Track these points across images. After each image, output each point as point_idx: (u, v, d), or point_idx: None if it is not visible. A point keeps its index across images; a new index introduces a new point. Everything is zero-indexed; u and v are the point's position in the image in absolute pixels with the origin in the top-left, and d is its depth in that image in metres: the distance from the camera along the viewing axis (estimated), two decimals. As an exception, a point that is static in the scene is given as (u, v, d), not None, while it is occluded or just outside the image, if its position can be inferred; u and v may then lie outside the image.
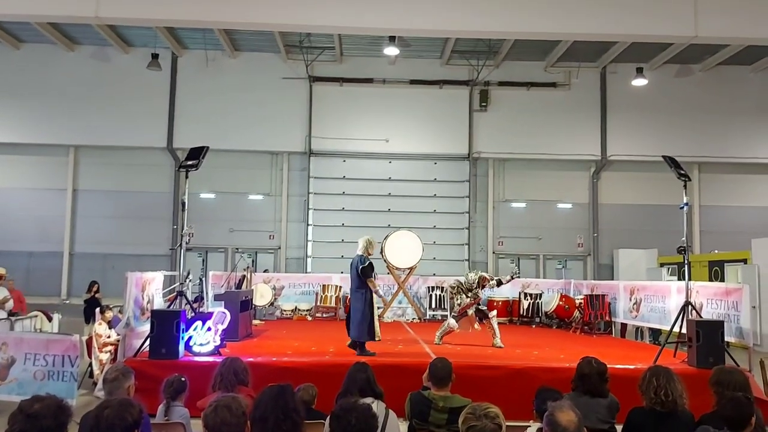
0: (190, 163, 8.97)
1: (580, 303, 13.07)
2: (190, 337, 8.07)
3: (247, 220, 19.56)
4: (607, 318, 12.70)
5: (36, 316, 11.02)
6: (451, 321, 10.12)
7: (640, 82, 19.04)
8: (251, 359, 7.24)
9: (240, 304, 10.22)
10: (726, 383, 4.47)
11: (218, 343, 8.31)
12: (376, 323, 8.92)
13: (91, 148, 19.32)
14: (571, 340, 11.58)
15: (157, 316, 8.00)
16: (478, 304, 10.21)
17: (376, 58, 19.27)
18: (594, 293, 13.03)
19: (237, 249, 19.05)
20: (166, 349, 7.77)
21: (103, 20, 12.99)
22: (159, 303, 9.63)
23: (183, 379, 5.06)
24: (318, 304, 14.84)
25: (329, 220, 19.24)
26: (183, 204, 9.06)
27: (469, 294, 10.03)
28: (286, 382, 3.59)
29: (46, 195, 19.26)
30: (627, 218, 19.69)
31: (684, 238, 8.98)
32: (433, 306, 14.75)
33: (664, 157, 9.34)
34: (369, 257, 9.03)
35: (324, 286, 15.00)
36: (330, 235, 19.08)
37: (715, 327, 8.13)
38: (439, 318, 13.94)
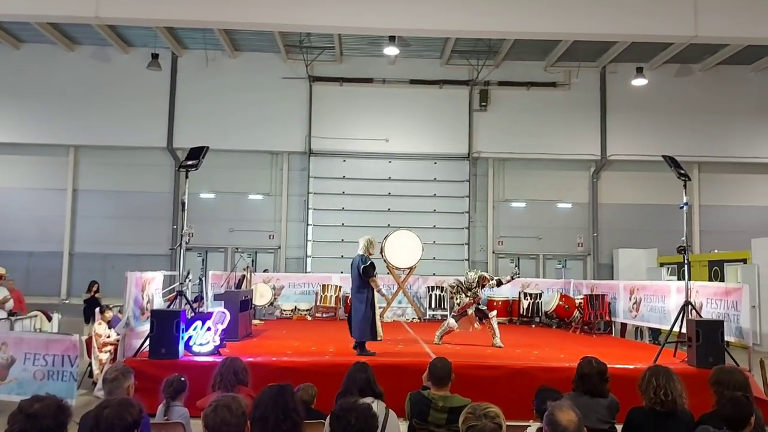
0: (190, 163, 8.97)
1: (580, 303, 13.07)
2: (189, 337, 8.07)
3: (247, 220, 19.56)
4: (607, 318, 12.70)
5: (36, 316, 11.02)
6: (451, 321, 10.13)
7: (640, 81, 19.04)
8: (251, 359, 7.24)
9: (240, 303, 10.22)
10: (726, 383, 4.47)
11: (218, 343, 8.31)
12: (378, 323, 8.92)
13: (91, 148, 19.32)
14: (570, 340, 11.58)
15: (156, 316, 8.00)
16: (478, 304, 10.21)
17: (375, 57, 19.27)
18: (594, 293, 13.03)
19: (237, 249, 19.06)
20: (165, 348, 7.77)
21: (103, 20, 13.00)
22: (159, 303, 9.63)
23: (183, 378, 5.06)
24: (318, 303, 14.84)
25: (329, 220, 19.24)
26: (183, 204, 9.06)
27: (469, 293, 10.03)
28: (286, 381, 3.59)
29: (46, 195, 19.26)
30: (627, 218, 19.69)
31: (684, 238, 8.98)
32: (433, 306, 14.75)
33: (664, 156, 9.34)
34: (370, 257, 9.03)
35: (324, 286, 15.00)
36: (330, 234, 19.09)
37: (715, 327, 8.13)
38: (439, 318, 13.94)
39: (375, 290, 8.99)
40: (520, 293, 14.48)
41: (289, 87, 19.48)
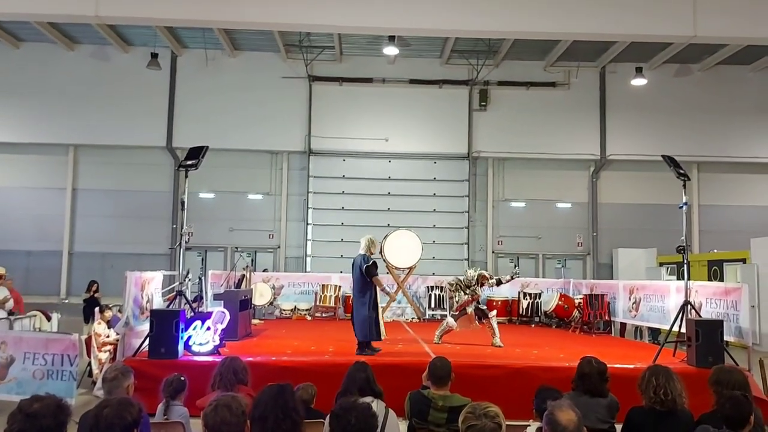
0: (189, 162, 8.96)
1: (580, 302, 13.08)
2: (189, 337, 8.07)
3: (247, 220, 19.56)
4: (607, 317, 12.70)
5: (35, 315, 11.01)
6: (450, 320, 10.12)
7: (639, 81, 19.05)
8: (250, 359, 7.24)
9: (239, 303, 10.22)
10: (725, 382, 4.47)
11: (217, 342, 8.31)
12: (381, 322, 8.93)
13: (91, 147, 19.31)
14: (570, 340, 11.58)
15: (156, 316, 8.00)
16: (478, 303, 10.20)
17: (375, 57, 19.27)
18: (593, 293, 13.03)
19: (236, 248, 19.07)
20: (165, 348, 7.77)
21: (103, 19, 13.00)
22: (158, 302, 9.63)
23: (182, 378, 5.06)
24: (317, 303, 14.84)
25: (329, 220, 19.24)
26: (182, 203, 9.07)
27: (468, 291, 10.00)
28: (286, 381, 3.59)
29: (45, 194, 19.25)
30: (626, 218, 19.70)
31: (683, 238, 8.98)
32: (433, 305, 14.76)
33: (663, 156, 9.34)
34: (372, 256, 9.03)
35: (323, 285, 15.00)
36: (329, 234, 19.09)
37: (715, 326, 8.13)
38: (439, 318, 13.94)
39: (378, 289, 8.99)
40: (519, 293, 14.48)
41: (289, 86, 19.47)
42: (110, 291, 13.37)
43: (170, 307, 9.04)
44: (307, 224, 19.46)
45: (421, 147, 19.61)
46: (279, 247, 19.58)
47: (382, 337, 8.90)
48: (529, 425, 4.23)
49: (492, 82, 19.77)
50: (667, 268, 17.53)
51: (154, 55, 18.37)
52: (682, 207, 9.18)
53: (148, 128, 19.08)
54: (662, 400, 4.21)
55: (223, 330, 8.53)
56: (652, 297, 11.33)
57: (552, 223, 19.87)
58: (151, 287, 9.39)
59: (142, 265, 14.55)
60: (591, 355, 4.94)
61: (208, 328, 8.21)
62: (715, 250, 17.57)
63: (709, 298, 9.40)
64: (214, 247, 19.45)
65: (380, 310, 9.05)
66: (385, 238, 14.43)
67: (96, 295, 13.30)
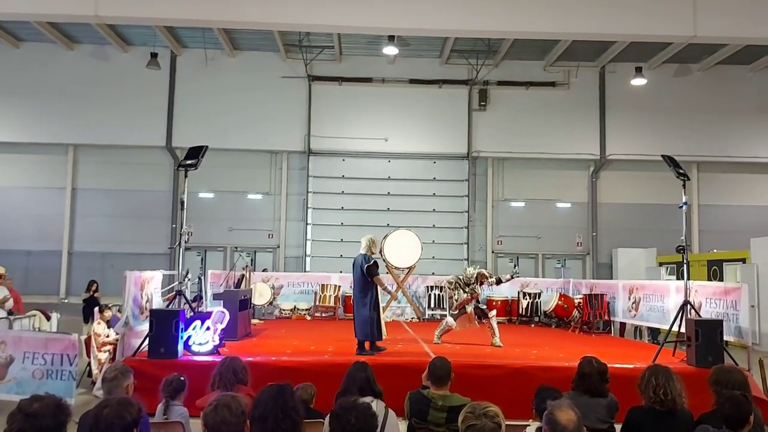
0: (189, 162, 8.96)
1: (579, 302, 13.08)
2: (189, 337, 8.06)
3: (246, 219, 19.55)
4: (606, 317, 12.70)
5: (35, 315, 11.00)
6: (449, 319, 10.11)
7: (639, 81, 19.05)
8: (250, 358, 7.23)
9: (239, 303, 10.21)
10: (725, 382, 4.47)
11: (217, 342, 8.31)
12: (383, 322, 8.92)
13: (90, 146, 19.31)
14: (570, 340, 11.59)
15: (156, 316, 7.99)
16: (478, 302, 10.19)
17: (375, 57, 19.27)
18: (593, 292, 13.04)
19: (236, 248, 19.07)
20: (165, 348, 7.77)
21: (103, 19, 12.99)
22: (158, 302, 9.63)
23: (182, 378, 5.06)
24: (317, 303, 14.83)
25: (328, 219, 19.24)
26: (182, 203, 9.07)
27: (467, 289, 9.98)
28: (285, 381, 3.59)
29: (45, 194, 19.25)
30: (626, 217, 19.70)
31: (683, 238, 8.98)
32: (432, 305, 14.75)
33: (663, 156, 9.34)
34: (372, 256, 9.03)
35: (323, 285, 15.00)
36: (329, 234, 19.09)
37: (714, 326, 8.13)
38: (438, 317, 13.93)
39: (380, 288, 8.99)
40: (519, 293, 14.48)
41: (289, 86, 19.47)
42: (110, 291, 13.37)
43: (170, 306, 9.05)
44: (307, 224, 19.46)
45: (421, 147, 19.61)
46: (278, 246, 19.58)
47: (383, 337, 8.89)
48: (529, 425, 4.23)
49: (491, 81, 19.77)
50: (667, 268, 17.53)
51: (154, 55, 18.37)
52: (681, 207, 9.18)
53: (148, 128, 19.07)
54: (662, 400, 4.21)
55: (222, 330, 8.52)
56: (652, 297, 11.33)
57: (552, 222, 19.88)
58: (150, 287, 9.38)
59: (142, 264, 14.54)
60: (591, 355, 4.94)
61: (208, 328, 8.21)
62: (715, 250, 17.57)
63: (709, 298, 9.40)
64: (214, 247, 19.45)
65: (381, 309, 9.03)
66: (385, 237, 14.42)
67: (95, 294, 13.30)
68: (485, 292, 13.66)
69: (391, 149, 19.56)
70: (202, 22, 13.58)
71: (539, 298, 14.32)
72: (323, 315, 14.77)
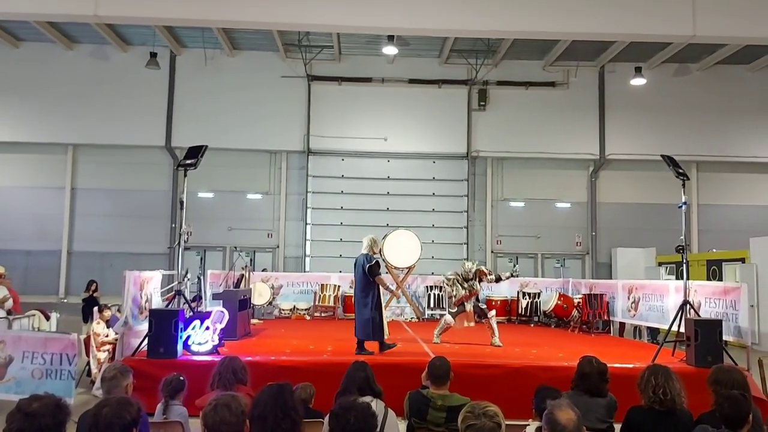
0: (188, 162, 8.96)
1: (579, 302, 13.09)
2: (188, 336, 8.06)
3: (246, 219, 19.55)
4: (606, 317, 12.70)
5: (34, 314, 10.99)
6: (448, 317, 10.09)
7: (638, 81, 19.05)
8: (250, 358, 7.24)
9: (238, 303, 10.21)
10: (724, 382, 4.47)
11: (216, 342, 8.30)
12: (385, 321, 8.92)
13: (90, 146, 19.30)
14: (569, 339, 11.59)
15: (155, 315, 7.99)
16: (477, 300, 10.17)
17: (374, 57, 19.26)
18: (592, 292, 13.04)
19: (235, 248, 19.04)
20: (164, 348, 7.76)
21: (102, 19, 12.98)
22: (157, 302, 9.63)
23: (181, 378, 5.06)
24: (316, 303, 14.84)
25: (328, 219, 19.23)
26: (181, 203, 9.07)
27: (465, 285, 9.94)
28: (285, 380, 3.59)
29: (44, 193, 19.24)
30: (625, 217, 19.71)
31: (682, 237, 8.99)
32: (432, 305, 14.75)
33: (662, 156, 9.35)
34: (374, 256, 9.03)
35: (322, 285, 15.00)
36: (328, 234, 19.09)
37: (714, 326, 8.13)
38: (438, 317, 13.90)
39: (382, 288, 8.99)
40: (518, 292, 14.49)
41: (288, 86, 19.47)
42: (109, 290, 13.35)
43: (169, 306, 9.04)
44: (306, 224, 19.46)
45: (420, 147, 19.61)
46: (278, 246, 19.57)
47: (385, 337, 8.89)
48: (529, 425, 4.23)
49: (491, 81, 19.77)
50: (666, 268, 17.54)
51: (153, 55, 18.36)
52: (681, 206, 9.18)
53: (147, 128, 19.06)
54: (661, 400, 4.21)
55: (222, 329, 8.52)
56: (651, 296, 11.33)
57: (551, 222, 19.88)
58: (150, 287, 9.39)
59: (141, 264, 14.53)
60: (591, 355, 4.94)
61: (207, 328, 8.21)
62: (714, 250, 17.57)
63: (708, 298, 9.41)
64: (213, 247, 19.44)
65: (384, 309, 9.03)
66: (385, 237, 14.44)
67: (95, 294, 13.29)
68: (485, 292, 13.68)
69: (390, 149, 19.56)
70: (202, 22, 13.57)
71: (539, 298, 14.33)
72: (323, 315, 14.77)
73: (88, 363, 9.36)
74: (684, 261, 8.98)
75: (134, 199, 19.16)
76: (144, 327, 8.32)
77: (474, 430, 2.99)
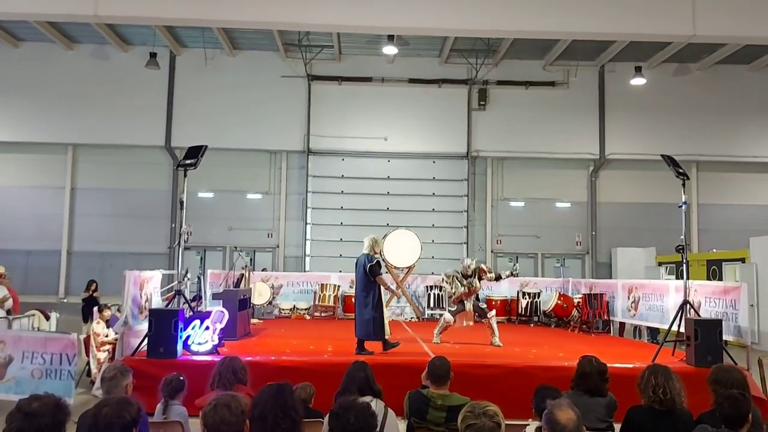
0: (188, 161, 8.95)
1: (579, 302, 13.09)
2: (188, 336, 8.06)
3: (246, 219, 19.55)
4: (605, 317, 12.70)
5: (34, 314, 10.99)
6: (447, 316, 10.08)
7: (638, 81, 19.04)
8: (249, 358, 7.24)
9: (238, 302, 10.21)
10: (724, 382, 4.47)
11: (216, 342, 8.30)
12: (386, 321, 8.91)
13: (90, 146, 19.30)
14: (569, 339, 11.59)
15: (155, 315, 7.99)
16: (477, 299, 10.15)
17: (374, 56, 19.26)
18: (592, 292, 13.04)
19: (235, 247, 19.03)
20: (164, 348, 7.76)
21: (102, 19, 12.98)
22: (157, 302, 9.62)
23: (181, 377, 5.06)
24: (316, 303, 14.83)
25: (328, 219, 19.23)
26: (181, 202, 9.07)
27: (464, 282, 9.91)
28: (285, 380, 3.59)
29: (44, 193, 19.24)
30: (625, 217, 19.70)
31: (682, 237, 8.99)
32: (432, 305, 14.74)
33: (662, 155, 9.34)
34: (375, 256, 9.03)
35: (322, 285, 15.00)
36: (328, 233, 19.09)
37: (714, 325, 8.13)
38: (438, 317, 13.91)
39: (383, 288, 8.99)
40: (518, 292, 14.49)
41: (288, 85, 19.47)
42: (109, 290, 13.35)
43: (169, 306, 9.04)
44: (306, 224, 19.46)
45: (421, 146, 19.61)
46: (278, 246, 19.57)
47: (386, 337, 8.88)
48: (528, 424, 4.23)
49: (491, 81, 19.77)
50: (666, 268, 17.54)
51: (153, 55, 18.36)
52: (681, 206, 9.18)
53: (147, 127, 19.06)
54: (661, 400, 4.21)
55: (221, 329, 8.51)
56: (651, 296, 11.33)
57: (551, 222, 19.88)
58: (149, 286, 9.38)
59: (141, 264, 14.52)
60: (591, 355, 4.94)
61: (207, 328, 8.21)
62: (714, 250, 17.58)
63: (708, 298, 9.41)
64: (213, 247, 19.44)
65: (385, 309, 9.02)
66: (384, 237, 14.45)
67: (95, 294, 13.29)
68: (484, 291, 13.68)
69: (390, 149, 19.56)
70: (202, 22, 13.56)
71: (538, 298, 14.32)
72: (322, 315, 14.76)
73: (88, 363, 9.35)
74: (684, 261, 8.98)
75: (134, 199, 19.16)
76: (144, 327, 8.31)
77: (474, 430, 2.99)
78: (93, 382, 8.82)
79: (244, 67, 19.44)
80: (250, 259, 18.68)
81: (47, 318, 11.13)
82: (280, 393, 3.39)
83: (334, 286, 14.94)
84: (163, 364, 7.34)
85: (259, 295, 13.98)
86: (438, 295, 14.71)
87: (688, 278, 9.09)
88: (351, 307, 13.83)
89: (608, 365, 4.89)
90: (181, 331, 7.90)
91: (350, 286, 14.78)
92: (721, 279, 15.26)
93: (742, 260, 15.52)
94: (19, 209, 18.97)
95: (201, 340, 8.13)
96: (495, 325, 9.90)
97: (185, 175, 9.14)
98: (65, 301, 17.91)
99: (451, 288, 10.03)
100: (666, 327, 9.76)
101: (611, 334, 12.91)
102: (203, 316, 8.39)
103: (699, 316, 8.88)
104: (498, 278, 10.42)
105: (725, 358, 7.92)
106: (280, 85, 19.41)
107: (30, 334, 8.00)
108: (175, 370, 5.74)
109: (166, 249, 18.67)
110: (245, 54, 19.55)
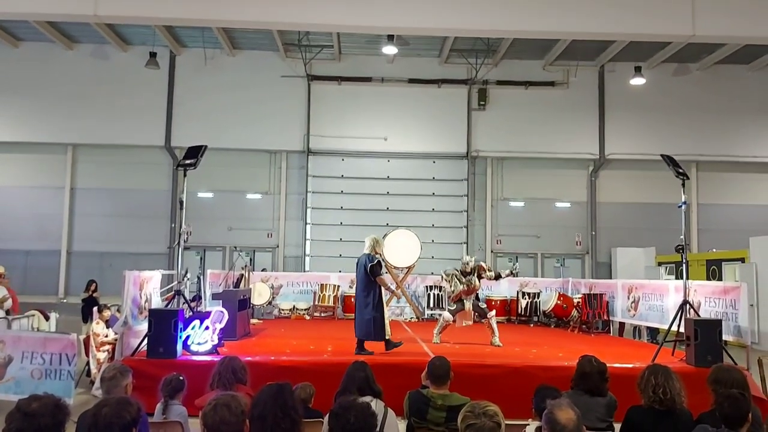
0: (188, 161, 8.95)
1: (578, 302, 13.08)
2: (187, 336, 8.05)
3: (246, 219, 19.55)
4: (605, 317, 12.70)
5: (33, 315, 10.98)
6: (446, 314, 10.07)
7: (638, 80, 19.04)
8: (249, 358, 7.24)
9: (238, 302, 10.21)
10: (724, 381, 4.47)
11: (216, 342, 8.30)
12: (386, 321, 8.91)
13: (89, 146, 19.30)
14: (569, 339, 11.59)
15: (154, 315, 7.99)
16: (477, 299, 10.14)
17: (374, 56, 19.26)
18: (592, 292, 13.03)
19: (235, 247, 19.03)
20: (164, 348, 7.76)
21: (102, 19, 12.97)
22: (157, 302, 9.62)
23: (181, 377, 5.06)
24: (316, 303, 14.83)
25: (327, 219, 19.23)
26: (181, 202, 9.07)
27: (463, 280, 9.90)
28: (285, 380, 3.59)
29: (44, 193, 19.23)
30: (625, 217, 19.70)
31: (682, 237, 8.99)
32: (432, 305, 14.74)
33: (662, 155, 9.35)
34: (376, 256, 9.03)
35: (322, 285, 15.00)
36: (328, 234, 19.08)
37: (713, 325, 8.14)
38: (438, 317, 13.92)
39: (383, 289, 8.99)
40: (518, 292, 14.49)
41: (288, 85, 19.46)
42: (109, 290, 13.35)
43: (169, 306, 9.04)
44: (306, 224, 19.46)
45: (420, 146, 19.61)
46: (278, 246, 19.57)
47: (387, 337, 8.88)
48: (528, 424, 4.23)
49: (491, 81, 19.78)
50: (666, 268, 17.54)
51: (153, 55, 18.36)
52: (680, 206, 9.18)
53: (147, 127, 19.06)
54: (661, 399, 4.21)
55: (221, 329, 8.51)
56: (651, 296, 11.33)
57: (551, 222, 19.88)
58: (149, 287, 9.38)
59: (141, 264, 14.52)
60: (590, 354, 4.94)
61: (207, 328, 8.21)
62: (714, 250, 17.57)
63: (708, 297, 9.41)
64: (213, 247, 19.44)
65: (385, 309, 9.02)
66: (384, 237, 14.44)
67: (94, 294, 13.28)
68: (484, 291, 13.68)
69: (390, 149, 19.56)
70: (202, 22, 13.57)
71: (538, 298, 14.32)
72: (322, 315, 14.76)
73: (88, 363, 9.35)
74: (684, 261, 8.98)
75: (134, 199, 19.15)
76: (143, 327, 8.31)
77: (474, 430, 2.99)
78: (93, 382, 8.81)
79: (243, 67, 19.44)
80: (250, 259, 18.67)
81: (47, 318, 11.13)
82: (279, 393, 3.39)
83: (334, 286, 14.94)
84: (163, 364, 7.33)
85: (259, 295, 13.98)
86: (438, 295, 14.71)
87: (687, 278, 9.09)
88: (351, 307, 13.84)
89: (608, 365, 4.89)
90: (180, 331, 7.89)
91: (350, 286, 14.79)
92: (720, 279, 15.26)
93: (742, 260, 15.53)
94: (18, 209, 18.97)
95: (201, 340, 8.13)
96: (495, 325, 9.89)
97: (185, 175, 9.14)
98: (65, 301, 17.91)
99: (450, 286, 10.01)
100: (666, 327, 9.76)
101: (611, 334, 12.92)
102: (203, 316, 8.39)
103: (699, 316, 8.88)
104: (498, 277, 10.38)
105: (725, 358, 7.92)
106: (279, 85, 19.41)
107: (29, 335, 8.00)
108: (174, 370, 5.74)
109: (166, 249, 18.67)
110: (245, 54, 19.54)
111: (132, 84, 19.06)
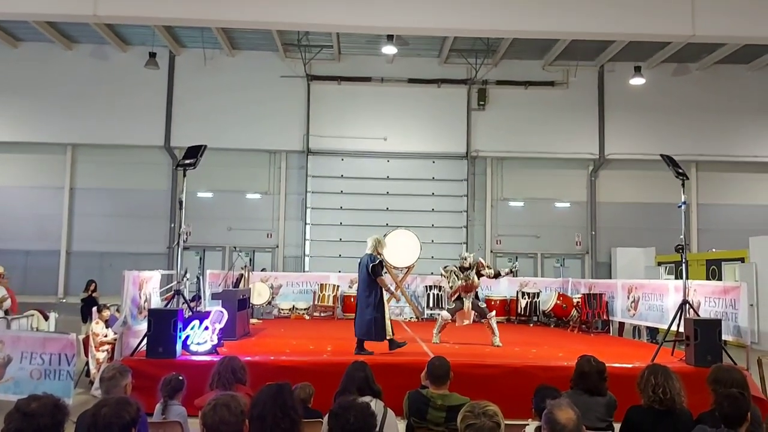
0: (187, 161, 8.94)
1: (578, 302, 13.08)
2: (187, 336, 8.05)
3: (245, 219, 19.54)
4: (605, 317, 12.70)
5: (33, 315, 10.98)
6: (444, 313, 10.06)
7: (637, 80, 19.04)
8: (249, 358, 7.23)
9: (237, 302, 10.20)
10: (723, 381, 4.47)
11: (216, 342, 8.30)
12: (388, 321, 8.90)
13: (89, 146, 19.30)
14: (568, 339, 11.59)
15: (154, 315, 7.98)
16: (477, 298, 10.12)
17: (374, 56, 19.26)
18: (592, 292, 13.04)
19: (235, 247, 19.01)
20: (163, 348, 7.75)
21: (101, 19, 12.98)
22: (156, 302, 9.62)
23: (180, 377, 5.05)
24: (315, 303, 14.83)
25: (327, 219, 19.23)
26: (180, 202, 9.06)
27: (461, 276, 9.87)
28: (284, 380, 3.58)
29: (43, 193, 19.23)
30: (625, 217, 19.71)
31: (682, 237, 8.99)
32: (431, 305, 14.73)
33: (662, 155, 9.35)
34: (379, 256, 9.03)
35: (322, 285, 14.99)
36: (328, 234, 19.08)
37: (713, 325, 8.14)
38: (437, 317, 13.92)
39: (384, 289, 8.99)
40: (517, 292, 14.49)
41: (288, 85, 19.46)
42: (108, 290, 13.34)
43: (168, 306, 9.03)
44: (306, 224, 19.45)
45: (420, 146, 19.61)
46: (277, 246, 19.57)
47: (388, 337, 8.88)
48: (528, 424, 4.23)
49: (490, 81, 19.78)
50: (666, 267, 17.54)
51: (153, 55, 18.35)
52: (680, 206, 9.18)
53: (147, 127, 19.06)
54: (661, 399, 4.21)
55: (221, 329, 8.51)
56: (651, 296, 11.33)
57: (551, 222, 19.88)
58: (149, 286, 9.38)
59: (140, 264, 14.52)
60: (590, 354, 4.94)
61: (206, 328, 8.20)
62: (714, 249, 17.57)
63: (708, 297, 9.41)
64: (213, 247, 19.43)
65: (387, 309, 9.01)
66: (384, 237, 14.42)
67: (94, 294, 13.28)
68: (484, 291, 13.67)
69: (390, 149, 19.55)
70: (202, 22, 13.57)
71: (538, 298, 14.32)
72: (322, 315, 14.76)
73: (87, 363, 9.34)
74: (683, 260, 8.97)
75: (133, 199, 19.15)
76: (143, 327, 8.30)
77: (473, 430, 2.98)
78: (92, 383, 8.80)
79: (243, 67, 19.44)
80: (250, 259, 18.66)
81: (46, 318, 11.12)
82: (279, 393, 3.38)
83: (334, 286, 14.93)
84: (162, 364, 7.33)
85: (259, 295, 13.97)
86: (437, 295, 14.70)
87: (687, 278, 9.09)
88: (350, 307, 13.85)
89: (607, 365, 4.89)
90: (180, 331, 7.89)
91: (349, 286, 14.80)
92: (720, 279, 15.26)
93: (742, 260, 15.53)
94: (18, 209, 18.96)
95: (200, 340, 8.12)
96: (495, 326, 9.88)
97: (184, 175, 9.13)
98: (64, 301, 17.90)
99: (449, 282, 9.98)
100: (665, 327, 9.76)
101: (611, 334, 12.92)
102: (202, 316, 8.38)
103: (698, 315, 8.88)
104: (497, 275, 10.35)
105: (725, 358, 7.92)
106: (279, 85, 19.40)
107: (29, 335, 7.99)
108: (174, 370, 5.73)
109: (166, 249, 18.67)
110: (244, 54, 19.54)
111: (131, 84, 19.06)
